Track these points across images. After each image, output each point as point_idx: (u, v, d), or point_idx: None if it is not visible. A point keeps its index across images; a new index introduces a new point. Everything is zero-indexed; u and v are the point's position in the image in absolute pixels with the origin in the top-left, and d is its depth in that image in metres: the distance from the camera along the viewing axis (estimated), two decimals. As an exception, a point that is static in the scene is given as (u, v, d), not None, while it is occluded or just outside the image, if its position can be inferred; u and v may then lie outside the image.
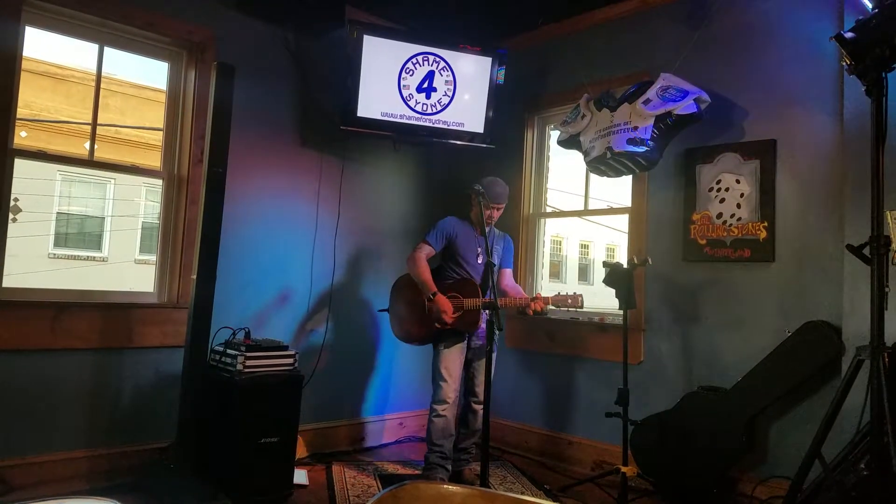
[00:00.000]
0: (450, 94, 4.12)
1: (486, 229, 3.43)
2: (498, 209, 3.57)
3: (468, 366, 3.56)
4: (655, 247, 3.79)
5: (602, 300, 4.80)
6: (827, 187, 3.20)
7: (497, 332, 3.02)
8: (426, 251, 3.51)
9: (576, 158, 3.96)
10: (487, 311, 3.04)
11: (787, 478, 2.79)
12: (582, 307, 3.47)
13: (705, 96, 3.40)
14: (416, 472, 3.71)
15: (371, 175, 4.43)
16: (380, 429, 4.39)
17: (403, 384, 4.52)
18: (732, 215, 3.48)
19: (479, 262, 3.58)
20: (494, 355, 3.25)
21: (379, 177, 4.48)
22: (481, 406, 3.46)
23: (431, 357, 3.59)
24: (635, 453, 3.43)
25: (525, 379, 4.36)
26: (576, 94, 4.07)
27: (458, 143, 4.21)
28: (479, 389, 3.52)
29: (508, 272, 3.77)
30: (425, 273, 3.45)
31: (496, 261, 3.57)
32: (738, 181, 3.47)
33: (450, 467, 3.50)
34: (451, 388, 3.44)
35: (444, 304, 3.37)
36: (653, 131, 3.42)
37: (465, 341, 3.52)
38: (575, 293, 3.46)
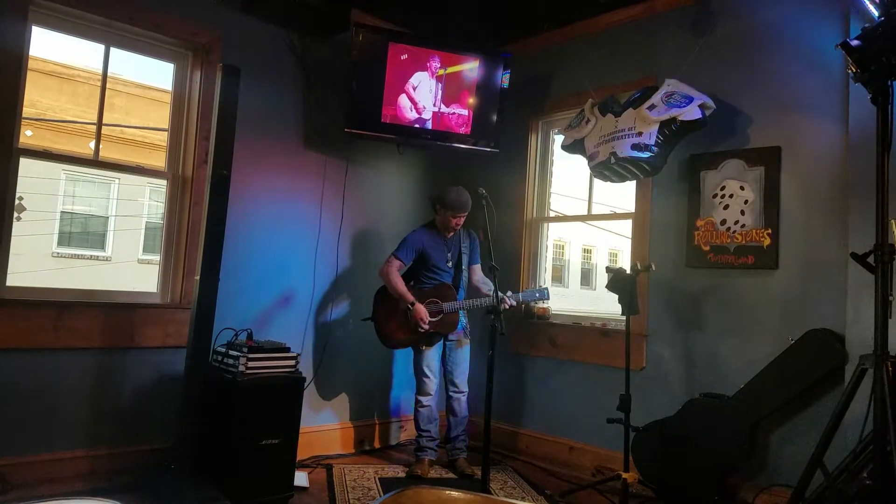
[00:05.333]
0: (455, 97, 4.12)
1: (451, 234, 3.88)
2: (462, 217, 3.81)
3: (444, 360, 3.91)
4: (659, 252, 3.78)
5: (605, 305, 4.80)
6: (831, 195, 3.19)
7: (500, 335, 3.05)
8: (396, 265, 3.79)
9: (579, 163, 3.96)
10: (491, 316, 3.06)
11: (788, 486, 2.78)
12: (548, 298, 3.89)
13: (710, 102, 3.40)
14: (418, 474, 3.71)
15: (375, 178, 4.44)
16: (381, 432, 4.39)
17: (404, 388, 4.52)
18: (736, 222, 3.47)
19: (449, 265, 3.89)
20: (468, 342, 3.92)
21: (383, 180, 4.49)
22: (461, 395, 3.88)
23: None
24: (636, 459, 3.42)
25: (527, 384, 4.36)
26: (580, 99, 4.07)
27: (462, 146, 4.21)
28: (458, 380, 3.88)
29: (477, 268, 4.04)
30: (400, 285, 3.74)
31: (465, 261, 3.92)
32: (742, 188, 3.47)
33: (436, 447, 3.89)
34: (432, 383, 3.84)
35: (421, 313, 3.68)
36: (657, 137, 3.42)
37: (443, 338, 3.88)
38: (542, 287, 3.92)
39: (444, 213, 3.80)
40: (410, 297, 3.69)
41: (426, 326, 3.69)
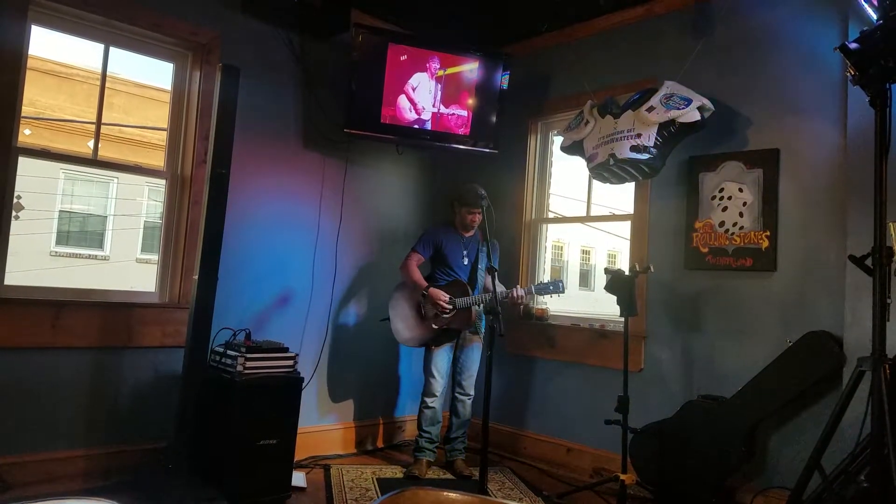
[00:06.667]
0: (454, 98, 4.13)
1: (470, 234, 3.92)
2: (478, 213, 3.81)
3: (455, 361, 3.90)
4: (657, 254, 3.79)
5: (603, 307, 4.80)
6: (830, 197, 3.19)
7: (498, 336, 3.04)
8: (415, 259, 3.88)
9: (578, 164, 3.97)
10: (490, 317, 3.05)
11: (786, 488, 2.79)
12: (563, 291, 3.72)
13: (709, 104, 3.40)
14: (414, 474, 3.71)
15: (374, 178, 4.44)
16: (382, 431, 4.39)
17: (403, 388, 4.52)
18: (735, 224, 3.48)
19: (466, 263, 3.91)
20: (479, 347, 3.89)
21: (382, 180, 4.49)
22: (467, 397, 3.88)
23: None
24: (634, 461, 3.43)
25: (525, 385, 4.36)
26: (579, 101, 4.08)
27: (461, 147, 4.21)
28: (466, 383, 3.88)
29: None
30: (415, 274, 3.82)
31: (482, 262, 3.90)
32: (740, 190, 3.47)
33: (435, 449, 3.89)
34: (439, 384, 3.83)
35: (437, 294, 3.71)
36: (656, 139, 3.42)
37: (456, 339, 3.88)
38: (557, 280, 3.78)
39: (461, 210, 3.86)
40: (424, 283, 3.76)
41: (447, 305, 3.67)
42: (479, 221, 3.86)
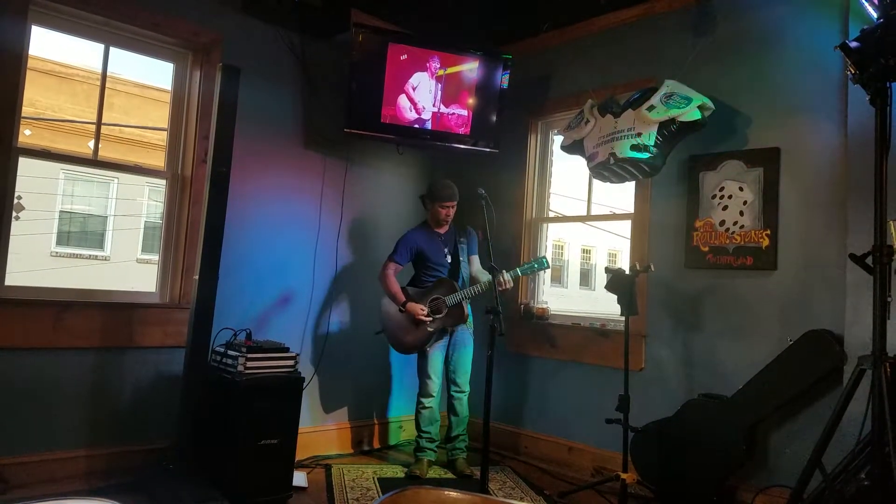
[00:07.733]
0: (454, 97, 4.13)
1: (444, 229, 3.92)
2: (451, 207, 3.86)
3: (447, 360, 3.89)
4: (658, 253, 3.79)
5: (604, 306, 4.80)
6: (830, 196, 3.19)
7: (499, 336, 3.04)
8: (392, 268, 3.86)
9: (579, 164, 3.97)
10: (490, 316, 3.05)
11: (787, 487, 2.78)
12: (548, 267, 3.82)
13: (709, 103, 3.40)
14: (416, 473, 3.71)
15: (374, 178, 4.44)
16: (379, 432, 4.39)
17: (403, 388, 4.52)
18: (735, 223, 3.48)
19: (448, 260, 3.91)
20: (471, 342, 3.90)
21: (382, 180, 4.49)
22: (463, 394, 3.89)
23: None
24: (635, 460, 3.43)
25: (526, 384, 4.36)
26: (580, 100, 4.07)
27: (462, 146, 4.21)
28: (460, 380, 3.88)
29: (475, 258, 4.04)
30: (393, 287, 3.82)
31: (463, 253, 3.92)
32: (741, 189, 3.47)
33: (436, 449, 3.89)
34: (435, 384, 3.83)
35: (415, 309, 3.72)
36: (656, 138, 3.42)
37: (448, 337, 3.88)
38: (540, 257, 3.84)
39: (433, 206, 3.87)
40: (402, 298, 3.77)
41: (427, 319, 3.71)
42: (453, 215, 3.91)
